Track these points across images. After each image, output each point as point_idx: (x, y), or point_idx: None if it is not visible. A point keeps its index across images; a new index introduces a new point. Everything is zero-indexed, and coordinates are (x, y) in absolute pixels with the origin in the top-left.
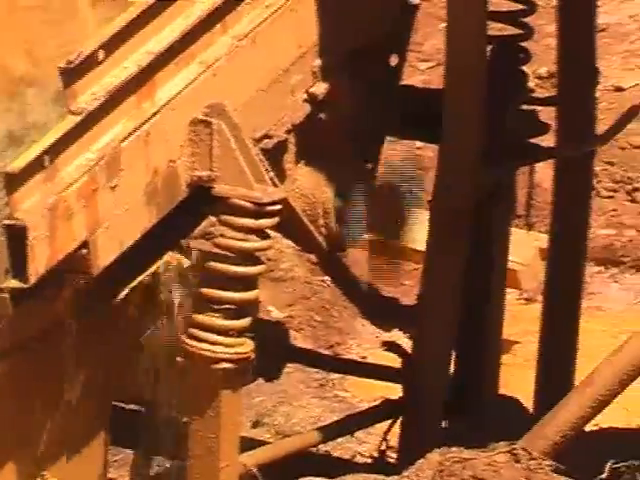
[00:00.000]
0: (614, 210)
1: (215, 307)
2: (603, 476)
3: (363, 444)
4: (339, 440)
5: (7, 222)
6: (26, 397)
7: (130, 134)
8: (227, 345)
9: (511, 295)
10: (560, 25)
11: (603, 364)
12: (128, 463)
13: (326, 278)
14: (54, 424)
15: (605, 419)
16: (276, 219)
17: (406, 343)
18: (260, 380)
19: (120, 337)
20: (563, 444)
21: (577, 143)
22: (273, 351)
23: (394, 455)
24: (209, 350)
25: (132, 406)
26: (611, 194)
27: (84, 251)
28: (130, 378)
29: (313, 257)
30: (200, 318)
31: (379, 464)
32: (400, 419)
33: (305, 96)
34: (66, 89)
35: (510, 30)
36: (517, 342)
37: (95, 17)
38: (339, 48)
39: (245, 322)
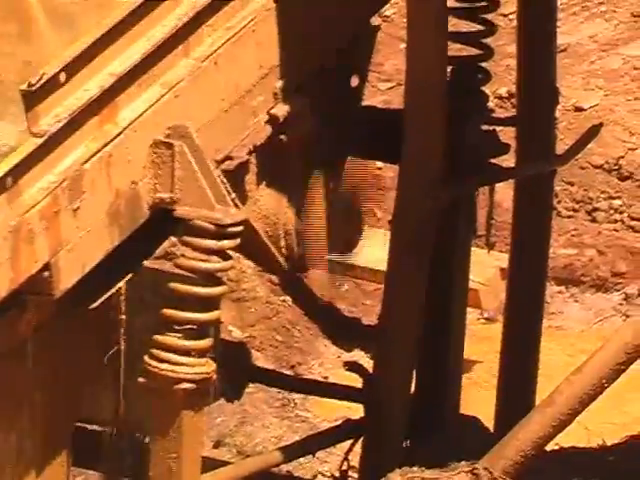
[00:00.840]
0: (575, 230)
1: (177, 328)
2: None
3: (325, 464)
4: (301, 460)
5: None
6: None
7: (92, 156)
8: (189, 365)
9: (472, 315)
10: (520, 46)
11: (564, 384)
12: None
13: (287, 298)
14: (15, 445)
15: (566, 439)
16: (237, 240)
17: (367, 363)
18: (222, 400)
19: (82, 357)
20: (524, 464)
21: (537, 163)
22: (235, 371)
23: (355, 475)
24: (171, 370)
25: (94, 427)
26: (571, 214)
27: (46, 273)
28: (92, 398)
29: (274, 277)
30: (162, 339)
31: None
32: (361, 439)
33: (267, 117)
34: (28, 111)
35: (470, 51)
36: (478, 362)
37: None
38: (300, 69)
39: (207, 342)
